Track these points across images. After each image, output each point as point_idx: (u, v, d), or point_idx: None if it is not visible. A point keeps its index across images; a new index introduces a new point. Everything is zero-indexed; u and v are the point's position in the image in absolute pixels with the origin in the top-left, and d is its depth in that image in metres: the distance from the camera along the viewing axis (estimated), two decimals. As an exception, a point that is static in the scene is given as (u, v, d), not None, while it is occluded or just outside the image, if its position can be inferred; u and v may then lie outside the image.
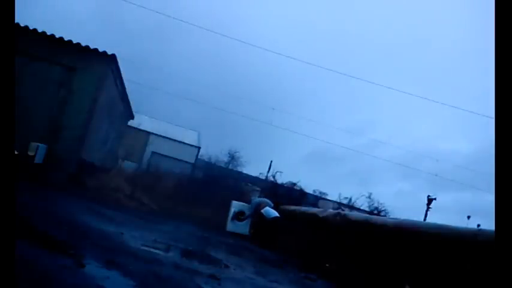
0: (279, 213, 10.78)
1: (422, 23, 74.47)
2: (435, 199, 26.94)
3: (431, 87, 55.32)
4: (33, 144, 8.86)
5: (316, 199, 19.35)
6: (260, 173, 20.28)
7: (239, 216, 11.23)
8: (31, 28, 9.72)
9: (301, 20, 78.35)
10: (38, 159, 8.90)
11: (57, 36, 9.87)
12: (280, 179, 17.13)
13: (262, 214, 10.60)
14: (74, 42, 9.96)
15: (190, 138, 29.98)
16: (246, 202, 12.03)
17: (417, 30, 75.37)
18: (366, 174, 44.44)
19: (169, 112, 50.31)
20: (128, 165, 21.73)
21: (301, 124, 54.06)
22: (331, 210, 11.66)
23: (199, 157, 28.25)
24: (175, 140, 28.59)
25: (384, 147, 67.42)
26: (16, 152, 7.43)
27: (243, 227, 11.15)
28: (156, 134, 28.32)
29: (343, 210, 13.38)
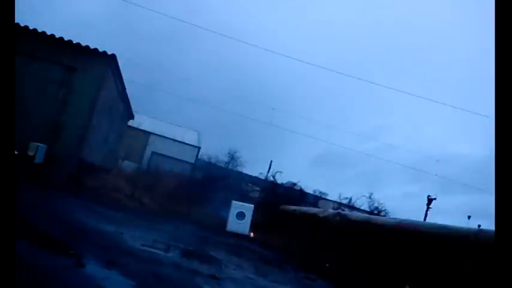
0: (278, 213, 10.78)
1: (436, 25, 73.89)
2: (435, 199, 26.87)
3: (441, 89, 54.95)
4: (33, 144, 8.85)
5: (316, 199, 19.30)
6: (260, 173, 20.26)
7: (239, 216, 11.24)
8: (31, 28, 9.71)
9: (319, 25, 77.81)
10: (38, 159, 8.88)
11: (57, 36, 9.87)
12: (280, 179, 17.13)
13: None
14: (74, 42, 9.96)
15: (190, 138, 29.94)
16: (246, 202, 12.04)
17: (429, 32, 74.83)
18: (374, 177, 44.33)
19: (170, 112, 50.20)
20: (128, 165, 21.70)
21: (310, 126, 53.85)
22: (331, 210, 11.67)
23: (199, 157, 28.21)
24: (175, 140, 28.55)
25: (396, 150, 66.94)
26: (16, 152, 7.42)
27: (243, 227, 11.15)
28: (156, 134, 28.28)
29: (343, 210, 13.38)
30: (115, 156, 18.06)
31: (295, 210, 12.51)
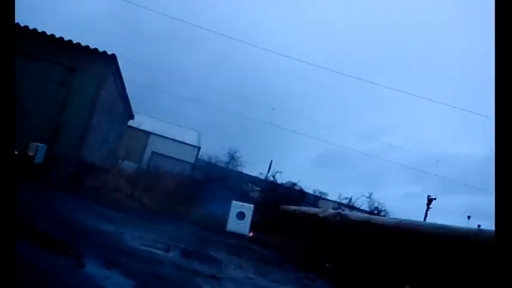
0: (278, 213, 10.78)
1: (436, 25, 73.57)
2: (435, 199, 26.86)
3: (441, 89, 54.84)
4: (33, 144, 8.84)
5: (316, 199, 19.31)
6: (260, 173, 20.27)
7: (239, 216, 11.24)
8: (31, 28, 9.72)
9: (319, 25, 77.59)
10: (38, 159, 8.88)
11: (57, 36, 9.87)
12: (280, 179, 17.13)
13: None
14: (74, 42, 9.96)
15: (190, 138, 29.96)
16: (246, 202, 12.04)
17: (430, 32, 74.48)
18: (374, 177, 44.41)
19: (170, 112, 50.27)
20: (128, 165, 21.71)
21: (310, 126, 53.96)
22: (331, 210, 11.67)
23: (199, 157, 28.23)
24: (175, 140, 28.56)
25: (396, 150, 66.83)
26: (16, 152, 7.42)
27: (243, 227, 11.15)
28: (156, 134, 28.29)
29: (343, 210, 13.39)
30: (115, 156, 18.06)
31: (295, 210, 12.51)
